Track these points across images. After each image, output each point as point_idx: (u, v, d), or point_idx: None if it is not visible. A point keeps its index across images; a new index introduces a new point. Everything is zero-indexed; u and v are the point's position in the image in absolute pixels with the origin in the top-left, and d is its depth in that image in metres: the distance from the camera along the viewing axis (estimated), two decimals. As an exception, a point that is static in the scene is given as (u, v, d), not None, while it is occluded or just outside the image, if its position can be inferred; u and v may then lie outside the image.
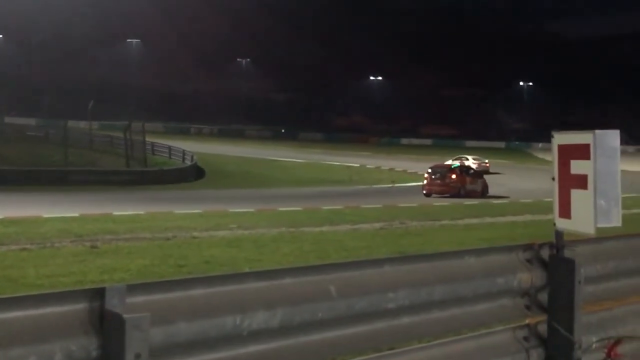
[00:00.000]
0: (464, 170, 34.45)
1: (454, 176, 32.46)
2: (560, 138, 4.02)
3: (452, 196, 30.76)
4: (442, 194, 31.47)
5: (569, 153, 3.91)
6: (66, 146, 35.81)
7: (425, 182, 32.72)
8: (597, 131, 3.74)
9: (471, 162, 43.45)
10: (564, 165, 3.94)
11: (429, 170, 33.31)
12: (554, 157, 4.02)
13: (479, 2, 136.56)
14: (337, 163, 51.32)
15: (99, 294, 2.42)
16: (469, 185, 32.60)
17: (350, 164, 49.37)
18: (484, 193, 32.50)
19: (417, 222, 18.11)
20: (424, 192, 32.01)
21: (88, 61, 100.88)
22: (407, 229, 16.53)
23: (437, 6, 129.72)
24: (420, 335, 3.60)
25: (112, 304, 2.41)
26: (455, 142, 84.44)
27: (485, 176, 35.34)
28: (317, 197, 27.54)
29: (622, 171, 3.89)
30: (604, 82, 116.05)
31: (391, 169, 49.19)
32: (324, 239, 14.15)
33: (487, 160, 49.32)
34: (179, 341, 2.62)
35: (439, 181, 32.28)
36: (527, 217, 19.83)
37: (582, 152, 3.78)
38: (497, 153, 70.23)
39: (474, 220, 19.22)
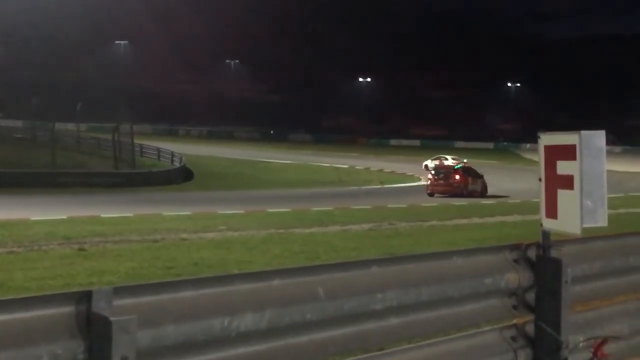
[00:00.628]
0: (465, 170, 34.77)
1: (457, 177, 32.94)
2: (547, 139, 4.03)
3: (452, 196, 31.04)
4: (445, 193, 31.77)
5: (555, 154, 3.93)
6: (54, 148, 35.59)
7: (428, 182, 33.14)
8: (583, 132, 3.76)
9: (450, 162, 43.74)
10: (550, 166, 3.96)
11: (433, 171, 33.70)
12: (540, 157, 4.03)
13: (468, 4, 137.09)
14: (327, 164, 51.31)
15: (85, 296, 2.40)
16: (471, 185, 33.09)
17: (340, 165, 49.39)
18: (483, 193, 32.92)
19: (406, 222, 18.14)
20: (428, 192, 32.40)
21: (76, 63, 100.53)
22: (396, 230, 16.55)
23: (427, 8, 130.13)
24: (409, 335, 3.61)
25: (99, 306, 2.40)
26: (444, 143, 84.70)
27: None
28: (306, 198, 27.52)
29: (610, 171, 3.91)
30: (591, 83, 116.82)
31: (380, 170, 49.26)
32: (314, 240, 14.13)
33: (465, 160, 49.68)
34: (166, 344, 2.61)
35: (442, 181, 32.72)
36: (516, 218, 19.89)
37: (568, 152, 3.79)
38: (486, 154, 70.50)
39: (463, 221, 19.27)
